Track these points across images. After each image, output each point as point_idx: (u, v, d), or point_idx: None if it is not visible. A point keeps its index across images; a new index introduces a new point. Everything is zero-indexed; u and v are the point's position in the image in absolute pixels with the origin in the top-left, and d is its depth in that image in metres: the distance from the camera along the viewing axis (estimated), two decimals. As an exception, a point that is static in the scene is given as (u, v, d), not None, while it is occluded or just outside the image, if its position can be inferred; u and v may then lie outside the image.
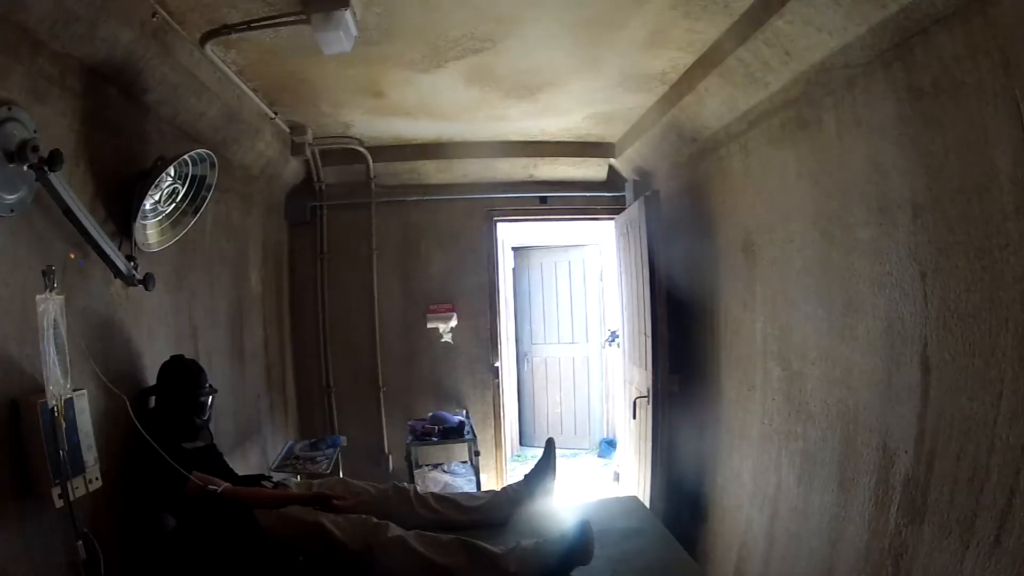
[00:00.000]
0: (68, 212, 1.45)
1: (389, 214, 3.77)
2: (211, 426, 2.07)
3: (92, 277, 1.67)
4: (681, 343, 2.90)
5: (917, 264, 1.44)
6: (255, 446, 2.97)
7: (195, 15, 1.78)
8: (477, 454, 3.23)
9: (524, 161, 3.64)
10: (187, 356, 1.99)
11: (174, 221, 1.97)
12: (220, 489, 1.72)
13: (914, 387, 1.44)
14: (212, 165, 1.97)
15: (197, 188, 1.99)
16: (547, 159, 3.63)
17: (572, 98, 2.78)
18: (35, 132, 1.36)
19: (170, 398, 1.85)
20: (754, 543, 2.25)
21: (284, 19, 1.78)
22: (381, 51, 2.14)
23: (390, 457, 3.77)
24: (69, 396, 1.40)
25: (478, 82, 2.51)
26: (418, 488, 1.98)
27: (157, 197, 1.89)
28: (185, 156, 1.83)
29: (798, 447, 2.00)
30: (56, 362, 1.35)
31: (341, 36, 1.76)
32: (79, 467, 1.43)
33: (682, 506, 2.82)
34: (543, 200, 3.90)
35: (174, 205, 1.96)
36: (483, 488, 3.20)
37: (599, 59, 2.29)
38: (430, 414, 3.38)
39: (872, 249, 1.60)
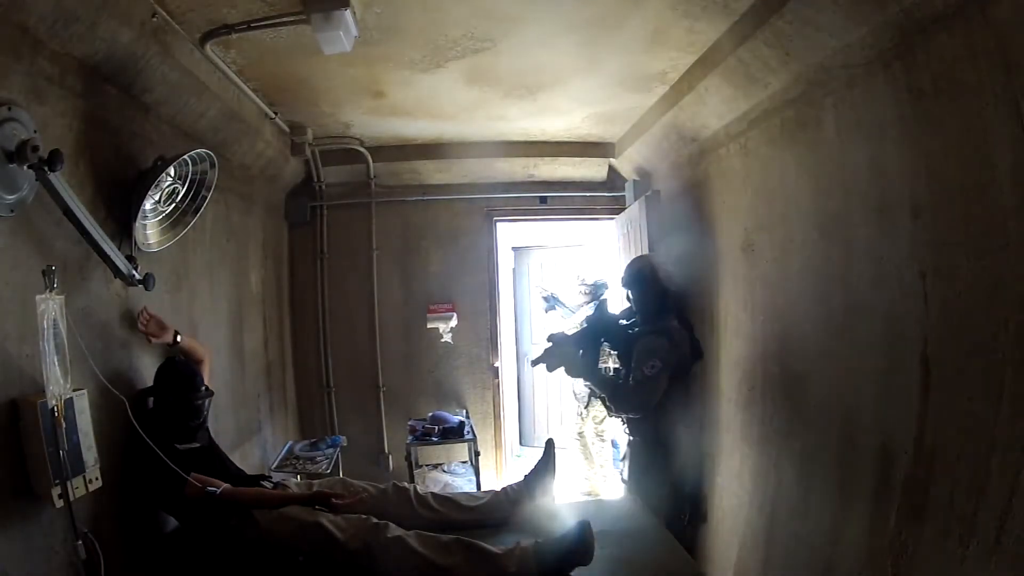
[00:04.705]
0: (68, 212, 1.45)
1: (389, 214, 3.77)
2: (212, 426, 2.07)
3: (92, 277, 1.67)
4: (681, 343, 2.89)
5: (917, 264, 1.43)
6: (255, 446, 2.97)
7: (195, 15, 1.78)
8: (477, 454, 3.23)
9: (524, 161, 3.64)
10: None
11: (174, 221, 1.97)
12: (219, 490, 1.72)
13: (914, 387, 1.44)
14: (212, 165, 1.97)
15: (197, 188, 1.99)
16: (547, 159, 3.63)
17: (572, 98, 2.78)
18: (35, 132, 1.36)
19: (166, 401, 1.85)
20: (754, 543, 2.25)
21: (284, 19, 1.79)
22: (381, 51, 2.14)
23: (390, 457, 3.77)
24: (69, 396, 1.40)
25: (478, 82, 2.51)
26: (418, 488, 1.98)
27: (157, 197, 1.89)
28: (185, 156, 1.82)
29: (798, 447, 2.00)
30: (56, 362, 1.35)
31: (341, 36, 1.76)
32: (79, 467, 1.43)
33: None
34: (543, 200, 3.90)
35: (174, 205, 1.96)
36: (483, 488, 3.20)
37: (599, 59, 2.29)
38: (430, 414, 3.37)
39: (872, 249, 1.60)
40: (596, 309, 2.52)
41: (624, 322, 2.39)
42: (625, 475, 2.40)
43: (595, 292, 3.94)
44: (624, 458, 2.42)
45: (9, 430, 1.31)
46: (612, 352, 2.39)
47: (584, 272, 4.12)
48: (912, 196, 1.44)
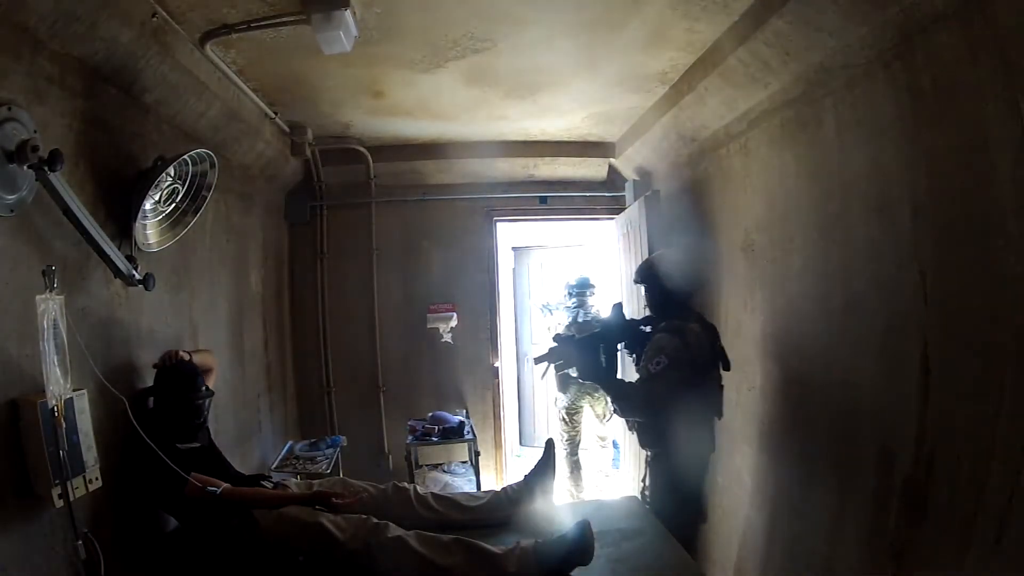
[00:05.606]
0: (68, 212, 1.45)
1: (389, 214, 3.77)
2: (212, 426, 2.07)
3: (92, 277, 1.67)
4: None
5: (917, 264, 1.43)
6: (255, 446, 2.97)
7: (195, 15, 1.78)
8: (477, 454, 3.23)
9: (524, 161, 3.65)
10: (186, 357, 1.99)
11: (174, 221, 1.97)
12: (220, 490, 1.72)
13: (914, 387, 1.44)
14: (212, 165, 1.97)
15: (197, 188, 1.99)
16: (547, 159, 3.63)
17: (572, 98, 2.78)
18: (35, 132, 1.36)
19: (166, 401, 1.85)
20: (754, 543, 2.25)
21: (284, 19, 1.79)
22: (381, 51, 2.14)
23: (390, 457, 3.77)
24: (69, 396, 1.40)
25: (478, 82, 2.51)
26: (418, 488, 1.98)
27: (157, 197, 1.89)
28: (185, 156, 1.82)
29: (798, 447, 2.00)
30: (56, 362, 1.35)
31: (341, 36, 1.76)
32: (79, 467, 1.43)
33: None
34: (543, 200, 3.90)
35: (174, 205, 1.96)
36: (483, 488, 3.20)
37: (599, 59, 2.29)
38: (430, 414, 3.38)
39: (872, 249, 1.60)
40: (613, 312, 2.29)
41: (646, 327, 2.25)
42: (647, 495, 2.21)
43: (580, 293, 3.87)
44: (644, 478, 2.25)
45: (9, 430, 1.31)
46: (631, 357, 2.26)
47: (568, 276, 4.07)
48: (912, 195, 1.44)
